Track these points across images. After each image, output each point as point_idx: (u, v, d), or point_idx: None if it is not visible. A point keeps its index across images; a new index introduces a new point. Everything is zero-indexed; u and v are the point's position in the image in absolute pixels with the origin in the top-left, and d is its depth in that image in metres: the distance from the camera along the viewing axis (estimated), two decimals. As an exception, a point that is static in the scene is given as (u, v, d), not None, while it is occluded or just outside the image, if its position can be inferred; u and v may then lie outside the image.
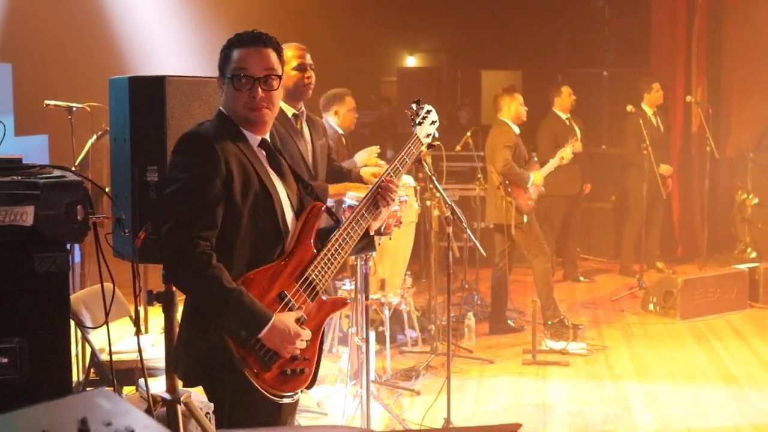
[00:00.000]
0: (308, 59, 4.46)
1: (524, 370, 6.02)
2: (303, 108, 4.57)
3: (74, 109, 5.44)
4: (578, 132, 8.45)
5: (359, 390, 4.61)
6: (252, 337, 2.61)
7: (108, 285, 2.67)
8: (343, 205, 4.81)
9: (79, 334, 4.51)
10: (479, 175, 7.55)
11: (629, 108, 8.24)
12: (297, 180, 2.93)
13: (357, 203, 3.06)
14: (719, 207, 9.76)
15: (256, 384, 2.65)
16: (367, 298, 4.55)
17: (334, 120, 6.26)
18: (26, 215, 2.43)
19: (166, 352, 3.13)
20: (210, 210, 2.63)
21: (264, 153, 2.83)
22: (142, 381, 3.42)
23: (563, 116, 8.44)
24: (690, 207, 9.77)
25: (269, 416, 2.74)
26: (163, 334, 3.21)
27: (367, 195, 3.00)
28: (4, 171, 2.54)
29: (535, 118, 7.78)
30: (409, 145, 3.19)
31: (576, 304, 7.91)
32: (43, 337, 2.47)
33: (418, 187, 6.22)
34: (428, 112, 3.34)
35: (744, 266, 7.91)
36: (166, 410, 3.15)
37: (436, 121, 3.36)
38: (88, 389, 4.22)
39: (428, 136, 3.32)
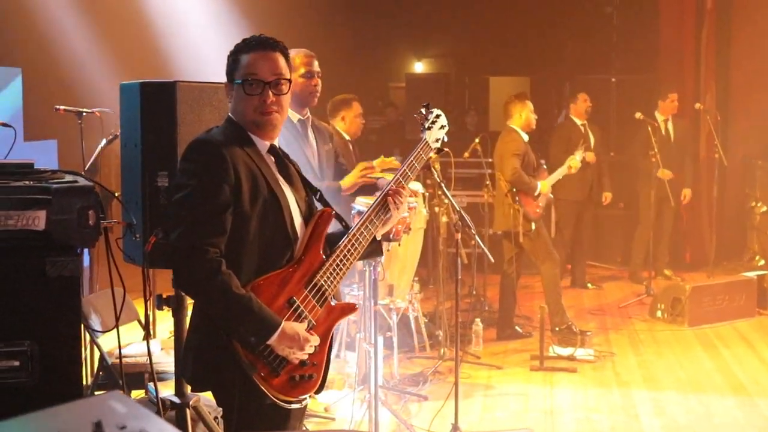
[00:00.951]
0: (316, 66, 4.47)
1: (532, 377, 6.01)
2: (308, 114, 4.58)
3: (84, 114, 5.46)
4: (592, 139, 8.44)
5: (367, 395, 4.61)
6: (261, 343, 2.61)
7: (119, 289, 2.68)
8: (352, 211, 4.82)
9: (88, 337, 4.52)
10: (488, 182, 7.55)
11: (638, 115, 8.23)
12: (305, 186, 2.93)
13: (366, 209, 3.06)
14: (728, 214, 9.73)
15: (264, 389, 2.64)
16: (375, 304, 4.56)
17: (341, 126, 6.27)
18: (38, 220, 2.44)
19: (175, 357, 3.14)
20: (219, 216, 2.62)
21: (273, 159, 2.83)
22: (151, 385, 3.43)
23: (579, 122, 8.48)
24: (698, 214, 9.75)
25: (277, 421, 2.74)
26: (171, 338, 3.22)
27: (376, 200, 2.99)
28: (17, 176, 2.55)
29: (542, 124, 7.77)
30: (419, 149, 3.16)
31: (584, 311, 7.90)
32: (54, 341, 2.49)
33: (427, 194, 6.22)
34: (437, 116, 3.30)
35: (752, 274, 7.88)
36: (175, 414, 3.16)
37: (445, 126, 3.31)
38: (96, 393, 4.24)
39: (437, 140, 3.27)
